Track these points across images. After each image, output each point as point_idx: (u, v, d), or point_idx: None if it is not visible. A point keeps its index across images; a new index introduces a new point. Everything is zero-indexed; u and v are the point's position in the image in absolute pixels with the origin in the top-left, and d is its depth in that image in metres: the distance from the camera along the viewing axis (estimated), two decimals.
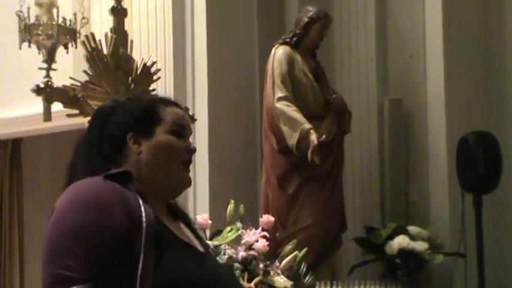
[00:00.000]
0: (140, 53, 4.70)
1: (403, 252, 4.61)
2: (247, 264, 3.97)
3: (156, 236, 1.71)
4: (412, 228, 4.73)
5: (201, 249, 1.84)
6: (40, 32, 4.28)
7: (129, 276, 1.67)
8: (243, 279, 3.82)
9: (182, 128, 1.87)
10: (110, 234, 1.67)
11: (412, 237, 4.67)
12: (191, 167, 1.90)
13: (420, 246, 4.63)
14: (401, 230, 4.70)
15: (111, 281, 1.67)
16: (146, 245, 1.69)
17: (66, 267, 1.65)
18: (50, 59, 4.28)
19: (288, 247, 4.23)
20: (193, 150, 1.87)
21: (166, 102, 1.90)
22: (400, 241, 4.63)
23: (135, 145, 1.82)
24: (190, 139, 1.93)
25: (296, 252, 4.15)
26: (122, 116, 1.85)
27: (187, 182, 1.86)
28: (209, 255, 1.88)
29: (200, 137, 4.71)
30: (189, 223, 1.92)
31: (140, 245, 1.69)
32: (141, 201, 1.74)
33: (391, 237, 4.67)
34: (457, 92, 5.00)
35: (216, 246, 3.85)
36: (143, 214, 1.72)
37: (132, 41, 4.53)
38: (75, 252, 1.66)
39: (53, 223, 1.72)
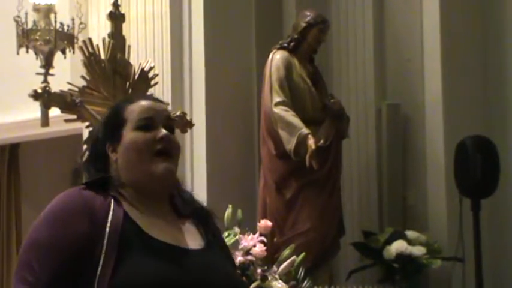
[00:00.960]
0: (138, 58, 4.70)
1: (401, 256, 4.60)
2: (245, 269, 3.97)
3: (122, 242, 1.72)
4: (410, 233, 4.73)
5: (193, 246, 1.81)
6: (38, 37, 4.27)
7: (88, 281, 1.70)
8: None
9: (148, 120, 1.84)
10: (67, 246, 1.71)
11: (410, 242, 4.66)
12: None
13: (418, 250, 4.63)
14: (399, 235, 4.70)
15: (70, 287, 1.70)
16: (107, 253, 1.70)
17: (24, 280, 1.71)
18: (47, 64, 4.27)
19: (286, 252, 4.23)
20: (161, 139, 1.82)
21: (131, 100, 1.89)
22: (398, 246, 4.63)
23: (113, 153, 1.85)
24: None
25: (294, 257, 4.14)
26: (100, 131, 1.89)
27: (163, 172, 1.81)
28: (207, 254, 1.82)
29: (198, 141, 4.70)
30: (200, 218, 1.89)
31: (101, 250, 1.71)
32: (112, 207, 1.76)
33: (389, 241, 4.67)
34: (455, 97, 5.00)
35: None
36: (108, 221, 1.74)
37: (129, 46, 4.53)
38: (31, 266, 1.71)
39: (25, 239, 1.79)
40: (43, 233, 1.74)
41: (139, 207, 1.81)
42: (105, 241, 1.71)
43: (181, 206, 1.88)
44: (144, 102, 1.87)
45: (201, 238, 1.86)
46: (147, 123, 1.83)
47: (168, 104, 1.92)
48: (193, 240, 1.84)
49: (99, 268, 1.69)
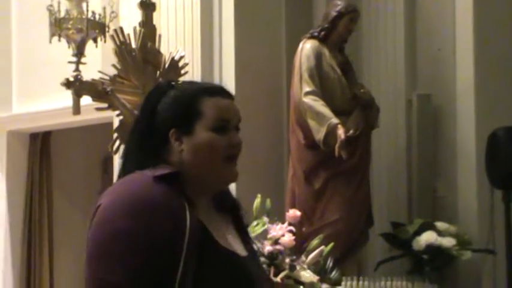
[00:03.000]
0: (168, 47, 4.72)
1: (431, 248, 4.58)
2: (273, 259, 3.98)
3: (199, 245, 1.68)
4: (440, 224, 4.70)
5: (242, 252, 1.80)
6: (70, 26, 4.31)
7: (167, 284, 1.65)
8: (269, 274, 3.82)
9: (225, 122, 1.79)
10: (155, 242, 1.65)
11: (440, 233, 4.63)
12: None
13: (448, 242, 4.60)
14: (428, 226, 4.67)
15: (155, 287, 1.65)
16: (187, 254, 1.66)
17: (112, 272, 1.63)
18: (79, 52, 4.31)
19: (314, 242, 4.23)
20: (236, 145, 1.80)
21: (210, 92, 1.81)
22: (427, 237, 4.60)
23: (177, 142, 1.77)
24: None
25: (322, 247, 4.14)
26: (165, 109, 1.79)
27: (231, 177, 1.82)
28: (249, 257, 1.82)
29: None
30: (237, 213, 1.88)
31: (181, 254, 1.66)
32: (187, 207, 1.71)
33: (418, 233, 4.64)
34: (487, 86, 4.95)
35: None
36: (187, 222, 1.68)
37: (160, 35, 4.55)
38: (121, 258, 1.64)
39: (100, 222, 1.69)
40: (128, 223, 1.65)
41: (198, 205, 1.75)
42: (185, 247, 1.66)
43: (221, 202, 1.86)
44: (223, 101, 1.81)
45: (240, 239, 1.85)
46: (224, 125, 1.79)
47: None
48: (238, 244, 1.82)
49: (179, 275, 1.65)
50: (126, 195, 1.69)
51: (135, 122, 1.87)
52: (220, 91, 1.83)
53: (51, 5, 4.34)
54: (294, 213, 4.26)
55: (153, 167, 1.74)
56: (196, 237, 1.68)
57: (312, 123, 4.61)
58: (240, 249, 1.81)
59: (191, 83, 1.90)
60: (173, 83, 1.86)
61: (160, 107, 1.79)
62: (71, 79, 4.24)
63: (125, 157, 1.82)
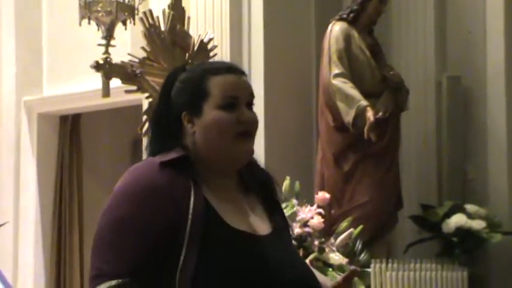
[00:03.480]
0: (197, 30, 4.72)
1: (460, 230, 4.56)
2: (302, 241, 3.99)
3: (204, 229, 1.68)
4: (470, 207, 4.67)
5: (264, 231, 1.77)
6: (99, 9, 4.32)
7: (169, 270, 1.66)
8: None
9: (233, 99, 1.77)
10: (154, 230, 1.66)
11: (470, 216, 4.61)
12: None
13: (478, 224, 4.57)
14: (458, 208, 4.65)
15: (151, 274, 1.66)
16: (190, 239, 1.66)
17: (107, 261, 1.66)
18: (108, 35, 4.32)
19: (344, 224, 4.23)
20: (246, 121, 1.77)
21: (216, 71, 1.80)
22: (457, 219, 4.58)
23: (189, 124, 1.79)
24: None
25: (351, 229, 4.15)
26: (176, 93, 1.81)
27: (245, 154, 1.79)
28: (274, 237, 1.79)
29: (256, 113, 4.71)
30: (267, 189, 1.86)
31: (184, 239, 1.66)
32: (193, 191, 1.70)
33: (448, 215, 4.62)
34: None
35: None
36: (191, 206, 1.68)
37: (189, 18, 4.55)
38: (115, 246, 1.66)
39: (105, 210, 1.73)
40: (127, 211, 1.68)
41: (212, 187, 1.75)
42: (188, 230, 1.66)
43: (249, 180, 1.84)
44: (229, 78, 1.79)
45: (268, 218, 1.83)
46: (231, 102, 1.77)
47: (246, 75, 1.85)
48: (262, 222, 1.80)
49: (181, 259, 1.65)
50: (130, 182, 1.72)
51: (155, 107, 1.90)
52: (226, 69, 1.82)
53: None
54: (323, 195, 4.27)
55: (168, 151, 1.76)
56: (201, 219, 1.68)
57: (341, 105, 4.60)
58: (263, 229, 1.79)
59: (200, 64, 1.91)
60: (186, 66, 1.87)
61: (173, 92, 1.82)
62: (101, 62, 4.26)
63: (149, 141, 1.85)
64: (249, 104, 1.81)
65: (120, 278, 1.64)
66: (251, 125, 1.79)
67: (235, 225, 1.73)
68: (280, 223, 1.86)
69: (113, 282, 1.64)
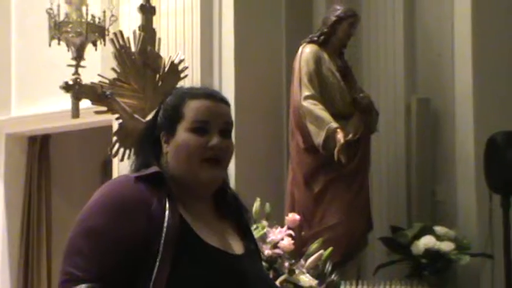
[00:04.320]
0: (168, 51, 4.72)
1: (430, 252, 4.58)
2: (272, 263, 3.97)
3: (178, 242, 1.69)
4: (439, 228, 4.70)
5: (237, 251, 1.80)
6: (69, 30, 4.31)
7: (143, 279, 1.67)
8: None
9: (204, 124, 1.79)
10: (125, 240, 1.68)
11: (439, 238, 4.64)
12: None
13: (447, 246, 4.60)
14: (427, 230, 4.68)
15: (125, 282, 1.68)
16: (164, 251, 1.68)
17: (76, 266, 1.68)
18: (78, 56, 4.31)
19: (314, 246, 4.23)
20: (214, 147, 1.78)
21: (194, 95, 1.84)
22: (426, 241, 4.60)
23: (165, 145, 1.82)
24: None
25: (322, 251, 4.14)
26: (160, 114, 1.86)
27: (208, 179, 1.80)
28: (246, 258, 1.82)
29: None
30: (240, 220, 1.88)
31: (158, 250, 1.68)
32: (167, 205, 1.73)
33: (417, 237, 4.65)
34: (485, 91, 4.96)
35: None
36: (165, 219, 1.70)
37: (160, 39, 4.56)
38: (86, 252, 1.68)
39: (77, 220, 1.75)
40: (99, 222, 1.70)
41: (186, 205, 1.78)
42: (162, 243, 1.68)
43: (223, 205, 1.87)
44: (204, 102, 1.81)
45: (240, 240, 1.85)
46: (201, 127, 1.79)
47: (228, 104, 1.86)
48: (236, 243, 1.83)
49: (155, 272, 1.66)
50: (103, 195, 1.75)
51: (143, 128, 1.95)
52: (206, 94, 1.84)
53: (50, 8, 4.35)
54: (293, 217, 4.26)
55: (145, 169, 1.80)
56: (175, 231, 1.70)
57: (311, 127, 4.62)
58: (237, 249, 1.82)
59: (184, 87, 1.94)
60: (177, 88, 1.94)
61: (159, 113, 1.87)
62: (70, 82, 4.25)
63: (132, 160, 1.89)
64: (224, 132, 1.82)
65: (89, 282, 1.66)
66: (219, 152, 1.80)
67: (209, 241, 1.75)
68: (251, 247, 1.88)
69: (83, 286, 1.66)
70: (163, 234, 1.69)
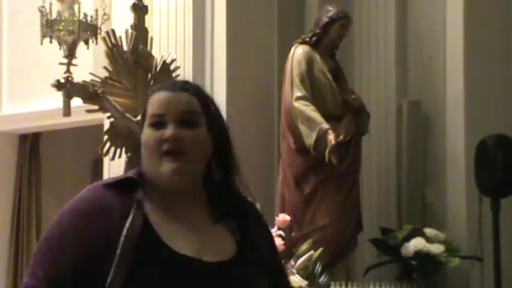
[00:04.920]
0: (160, 50, 4.72)
1: (419, 254, 4.59)
2: None
3: (137, 253, 1.65)
4: (429, 231, 4.71)
5: (221, 258, 1.70)
6: (61, 28, 4.30)
7: (100, 286, 1.65)
8: None
9: (159, 117, 1.72)
10: (80, 246, 1.67)
11: (429, 240, 4.65)
12: None
13: (436, 248, 4.61)
14: (417, 232, 4.68)
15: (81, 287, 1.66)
16: (120, 257, 1.64)
17: (33, 275, 1.69)
18: (70, 54, 4.31)
19: (304, 247, 4.24)
20: (169, 138, 1.70)
21: (156, 89, 1.78)
22: (416, 243, 4.61)
23: (142, 146, 1.79)
24: None
25: (311, 252, 4.15)
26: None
27: (168, 173, 1.70)
28: (234, 265, 1.71)
29: None
30: (243, 224, 1.80)
31: (114, 256, 1.65)
32: (132, 213, 1.69)
33: (407, 239, 4.65)
34: (476, 95, 4.97)
35: None
36: (125, 229, 1.66)
37: (152, 38, 4.55)
38: (41, 263, 1.69)
39: (46, 229, 1.77)
40: (59, 230, 1.71)
41: (164, 209, 1.72)
42: (118, 251, 1.64)
43: (217, 206, 1.79)
44: (160, 95, 1.75)
45: (234, 245, 1.75)
46: (158, 120, 1.73)
47: (198, 87, 1.78)
48: (224, 249, 1.73)
49: (109, 279, 1.64)
50: (71, 202, 1.74)
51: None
52: (166, 86, 1.78)
53: (42, 6, 4.34)
54: (283, 217, 4.27)
55: (127, 171, 1.80)
56: (134, 238, 1.66)
57: (302, 128, 4.62)
58: (215, 257, 1.70)
59: (160, 84, 1.90)
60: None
61: None
62: (62, 81, 4.24)
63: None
64: (184, 122, 1.73)
65: (48, 284, 1.66)
66: (176, 142, 1.70)
67: (176, 247, 1.68)
68: (247, 253, 1.76)
69: None
70: (120, 244, 1.65)
